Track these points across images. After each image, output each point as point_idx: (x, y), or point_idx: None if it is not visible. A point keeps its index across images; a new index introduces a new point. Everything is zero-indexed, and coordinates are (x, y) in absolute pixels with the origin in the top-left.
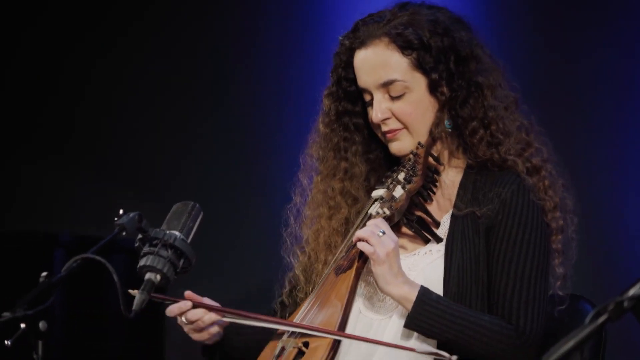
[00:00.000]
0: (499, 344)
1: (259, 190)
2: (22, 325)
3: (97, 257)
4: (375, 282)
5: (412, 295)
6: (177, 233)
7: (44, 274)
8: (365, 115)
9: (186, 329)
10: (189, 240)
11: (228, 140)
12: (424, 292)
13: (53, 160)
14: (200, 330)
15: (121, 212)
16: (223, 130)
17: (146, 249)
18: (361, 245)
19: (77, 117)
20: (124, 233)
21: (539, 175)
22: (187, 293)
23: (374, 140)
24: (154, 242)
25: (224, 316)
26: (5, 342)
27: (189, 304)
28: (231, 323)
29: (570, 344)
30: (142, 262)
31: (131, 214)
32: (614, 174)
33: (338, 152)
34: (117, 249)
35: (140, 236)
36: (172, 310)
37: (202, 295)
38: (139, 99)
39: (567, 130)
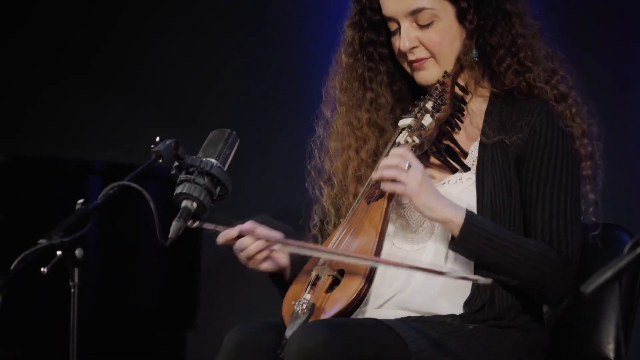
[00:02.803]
0: (546, 268)
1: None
2: (59, 253)
3: (134, 185)
4: (420, 213)
5: (458, 217)
6: (213, 160)
7: (81, 201)
8: (389, 45)
9: (240, 258)
10: (225, 168)
11: (264, 65)
12: (471, 214)
13: (86, 85)
14: (251, 258)
15: (158, 139)
16: (257, 56)
17: (182, 176)
18: (391, 188)
19: (111, 44)
20: (160, 160)
21: (566, 102)
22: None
23: (397, 71)
24: (191, 169)
25: (281, 245)
26: (42, 269)
27: (233, 232)
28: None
29: (609, 273)
30: (178, 190)
31: (168, 141)
32: None
33: (363, 82)
34: (152, 177)
35: (176, 163)
36: (219, 239)
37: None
38: (175, 24)
39: (601, 58)
